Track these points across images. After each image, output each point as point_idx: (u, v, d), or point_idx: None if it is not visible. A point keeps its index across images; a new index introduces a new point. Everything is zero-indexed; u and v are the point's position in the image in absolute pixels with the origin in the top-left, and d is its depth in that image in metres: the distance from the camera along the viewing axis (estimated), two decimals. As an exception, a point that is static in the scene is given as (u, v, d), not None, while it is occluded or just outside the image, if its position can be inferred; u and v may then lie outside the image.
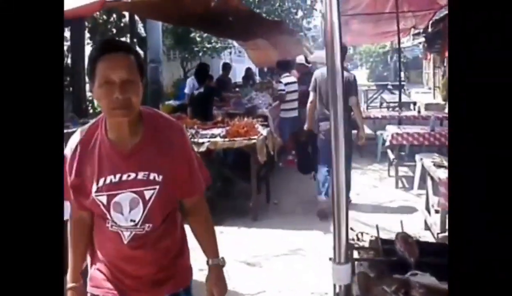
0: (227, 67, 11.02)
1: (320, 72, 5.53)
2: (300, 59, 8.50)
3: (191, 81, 8.55)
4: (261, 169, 5.41)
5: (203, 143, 5.02)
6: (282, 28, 9.41)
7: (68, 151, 1.63)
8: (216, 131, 5.38)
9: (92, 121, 1.70)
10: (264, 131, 5.34)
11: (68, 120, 6.34)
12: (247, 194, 5.55)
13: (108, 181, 1.57)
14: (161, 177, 1.58)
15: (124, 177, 1.57)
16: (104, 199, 1.58)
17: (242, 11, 6.37)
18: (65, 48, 11.01)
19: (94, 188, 1.57)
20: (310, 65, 8.90)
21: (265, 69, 16.94)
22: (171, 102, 9.61)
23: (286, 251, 4.49)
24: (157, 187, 1.58)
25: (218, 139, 5.14)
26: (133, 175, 1.57)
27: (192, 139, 4.99)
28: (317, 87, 5.43)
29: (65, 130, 2.88)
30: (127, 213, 1.58)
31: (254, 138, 5.03)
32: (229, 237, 4.70)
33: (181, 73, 14.57)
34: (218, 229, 4.88)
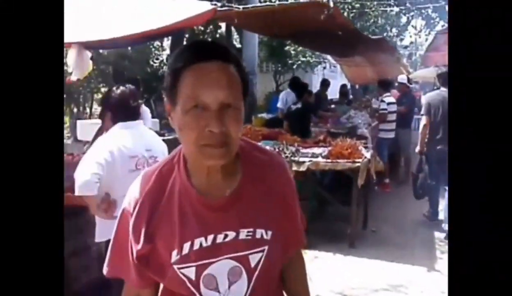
0: (326, 83, 10.72)
1: (433, 96, 5.61)
2: (402, 78, 8.20)
3: (284, 95, 8.43)
4: (360, 193, 5.13)
5: (303, 162, 4.82)
6: (383, 45, 9.06)
7: (129, 203, 1.16)
8: (317, 150, 5.15)
9: (162, 160, 1.23)
10: (367, 154, 5.05)
11: (163, 126, 6.49)
12: (343, 218, 5.28)
13: (196, 246, 1.10)
14: (269, 233, 1.14)
15: (220, 239, 1.10)
16: (191, 271, 1.11)
17: (347, 28, 6.15)
18: (164, 57, 11.64)
19: (175, 257, 1.10)
20: (412, 85, 8.50)
21: (357, 86, 16.53)
22: (264, 115, 9.54)
23: (386, 286, 4.17)
24: (266, 247, 1.13)
25: (320, 159, 4.91)
26: (232, 235, 1.11)
27: (292, 158, 4.84)
28: (431, 111, 5.42)
29: (161, 138, 3.01)
30: (225, 289, 1.12)
31: (358, 162, 4.76)
32: (324, 263, 4.49)
33: (274, 86, 14.60)
34: (312, 253, 4.65)
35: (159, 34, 4.91)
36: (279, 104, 8.51)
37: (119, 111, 2.62)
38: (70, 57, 4.26)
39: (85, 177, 2.35)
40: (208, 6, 4.24)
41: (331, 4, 5.10)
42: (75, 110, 9.52)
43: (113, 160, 2.44)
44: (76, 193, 2.37)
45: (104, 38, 3.97)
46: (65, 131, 10.11)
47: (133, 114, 2.64)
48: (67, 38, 2.76)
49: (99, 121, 6.59)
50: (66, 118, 12.77)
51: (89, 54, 4.34)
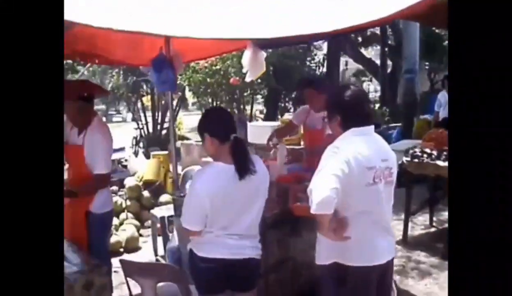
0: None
1: None
2: None
3: (442, 97, 7.96)
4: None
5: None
6: None
7: None
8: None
9: None
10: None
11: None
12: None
13: None
14: None
15: None
16: None
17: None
18: (321, 58, 11.70)
19: None
20: None
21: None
22: (427, 116, 9.02)
23: None
24: None
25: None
26: None
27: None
28: None
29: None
30: None
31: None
32: None
33: (428, 85, 13.95)
34: None
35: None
36: (436, 107, 8.10)
37: (352, 115, 2.27)
38: (246, 58, 4.28)
39: (324, 192, 2.00)
40: None
41: None
42: (236, 111, 10.12)
43: (350, 172, 2.10)
44: (313, 211, 2.04)
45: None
46: None
47: (367, 119, 2.30)
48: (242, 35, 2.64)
49: (269, 124, 7.05)
50: None
51: (264, 54, 4.31)
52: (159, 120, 14.04)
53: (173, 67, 3.52)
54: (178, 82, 10.22)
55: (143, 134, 13.74)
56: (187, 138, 16.62)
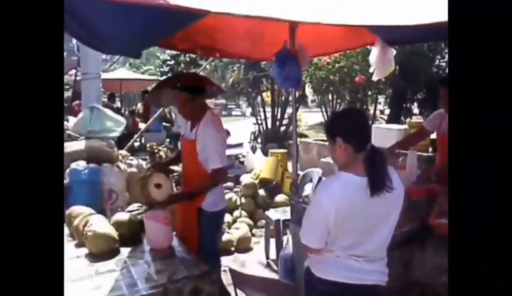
0: None
1: None
2: None
3: None
4: None
5: None
6: None
7: None
8: None
9: None
10: None
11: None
12: None
13: None
14: None
15: None
16: None
17: None
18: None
19: None
20: None
21: None
22: None
23: None
24: None
25: None
26: None
27: None
28: None
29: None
30: None
31: None
32: None
33: None
34: None
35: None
36: None
37: None
38: (373, 55, 3.96)
39: None
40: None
41: None
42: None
43: None
44: None
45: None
46: None
47: None
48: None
49: (395, 127, 6.49)
50: None
51: (393, 51, 3.95)
52: (278, 116, 13.98)
53: (298, 62, 3.26)
54: (304, 79, 10.21)
55: (261, 130, 13.81)
56: (306, 136, 16.47)
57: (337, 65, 8.09)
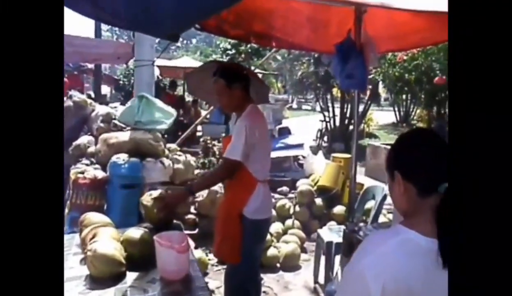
0: None
1: None
2: None
3: None
4: None
5: None
6: None
7: None
8: None
9: None
10: None
11: None
12: None
13: None
14: None
15: None
16: None
17: None
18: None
19: None
20: None
21: None
22: None
23: None
24: None
25: None
26: None
27: None
28: None
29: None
30: None
31: None
32: None
33: None
34: None
35: None
36: None
37: None
38: None
39: None
40: None
41: None
42: (435, 113, 8.58)
43: None
44: None
45: None
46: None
47: None
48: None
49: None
50: (420, 124, 12.02)
51: None
52: (347, 114, 13.15)
53: (364, 57, 2.60)
54: (370, 76, 9.27)
55: (328, 127, 13.07)
56: (376, 136, 15.53)
57: (414, 62, 7.15)
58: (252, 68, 10.73)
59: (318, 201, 5.61)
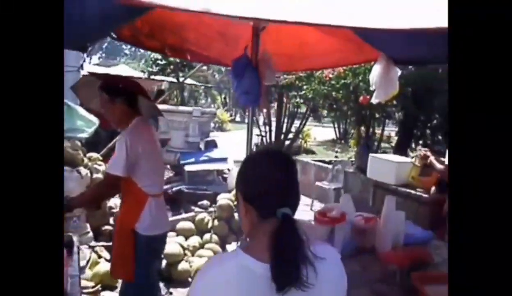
0: None
1: None
2: None
3: None
4: None
5: None
6: None
7: None
8: None
9: None
10: None
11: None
12: None
13: None
14: None
15: None
16: None
17: None
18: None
19: None
20: None
21: None
22: None
23: None
24: None
25: None
26: None
27: None
28: None
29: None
30: None
31: None
32: None
33: None
34: None
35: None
36: None
37: None
38: (374, 73, 3.41)
39: None
40: None
41: None
42: (363, 132, 8.77)
43: None
44: None
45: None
46: (348, 157, 9.50)
47: None
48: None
49: (395, 158, 5.73)
50: (352, 142, 12.27)
51: (398, 71, 3.38)
52: (283, 129, 13.28)
53: (259, 74, 2.60)
54: (302, 93, 9.41)
55: (265, 142, 13.13)
56: (313, 152, 15.76)
57: (342, 81, 7.32)
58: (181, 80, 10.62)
59: (237, 215, 5.56)
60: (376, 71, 3.35)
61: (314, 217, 2.61)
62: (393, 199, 2.78)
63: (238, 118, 27.21)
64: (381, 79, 3.32)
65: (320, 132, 20.37)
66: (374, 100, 3.53)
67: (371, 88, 3.52)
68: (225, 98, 20.27)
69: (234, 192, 6.05)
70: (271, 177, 1.35)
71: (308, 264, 1.22)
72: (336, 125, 20.80)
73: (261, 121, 13.04)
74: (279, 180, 1.34)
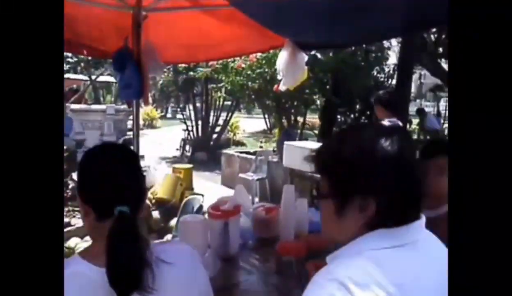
0: None
1: None
2: None
3: None
4: None
5: None
6: None
7: None
8: None
9: None
10: None
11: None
12: None
13: None
14: None
15: None
16: None
17: None
18: (391, 68, 10.39)
19: None
20: None
21: None
22: None
23: None
24: None
25: None
26: None
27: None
28: None
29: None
30: None
31: None
32: None
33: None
34: None
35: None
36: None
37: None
38: (281, 60, 3.37)
39: None
40: None
41: None
42: (285, 123, 8.82)
43: None
44: None
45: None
46: (273, 147, 9.56)
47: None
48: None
49: (307, 145, 5.82)
50: (276, 131, 12.39)
51: (305, 57, 3.36)
52: (211, 123, 13.14)
53: (140, 66, 2.46)
54: (221, 85, 9.32)
55: (191, 136, 12.94)
56: (243, 144, 15.75)
57: (258, 70, 7.27)
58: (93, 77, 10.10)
59: (156, 214, 5.42)
60: (282, 58, 3.33)
61: (208, 212, 2.52)
62: (291, 187, 2.73)
63: (169, 115, 26.73)
64: (288, 66, 3.31)
65: (251, 124, 20.43)
66: (282, 88, 3.51)
67: (278, 77, 3.50)
68: (154, 94, 19.81)
69: (153, 189, 5.89)
70: (105, 173, 1.24)
71: (148, 267, 1.13)
72: (266, 116, 20.98)
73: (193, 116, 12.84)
74: (116, 176, 1.24)
